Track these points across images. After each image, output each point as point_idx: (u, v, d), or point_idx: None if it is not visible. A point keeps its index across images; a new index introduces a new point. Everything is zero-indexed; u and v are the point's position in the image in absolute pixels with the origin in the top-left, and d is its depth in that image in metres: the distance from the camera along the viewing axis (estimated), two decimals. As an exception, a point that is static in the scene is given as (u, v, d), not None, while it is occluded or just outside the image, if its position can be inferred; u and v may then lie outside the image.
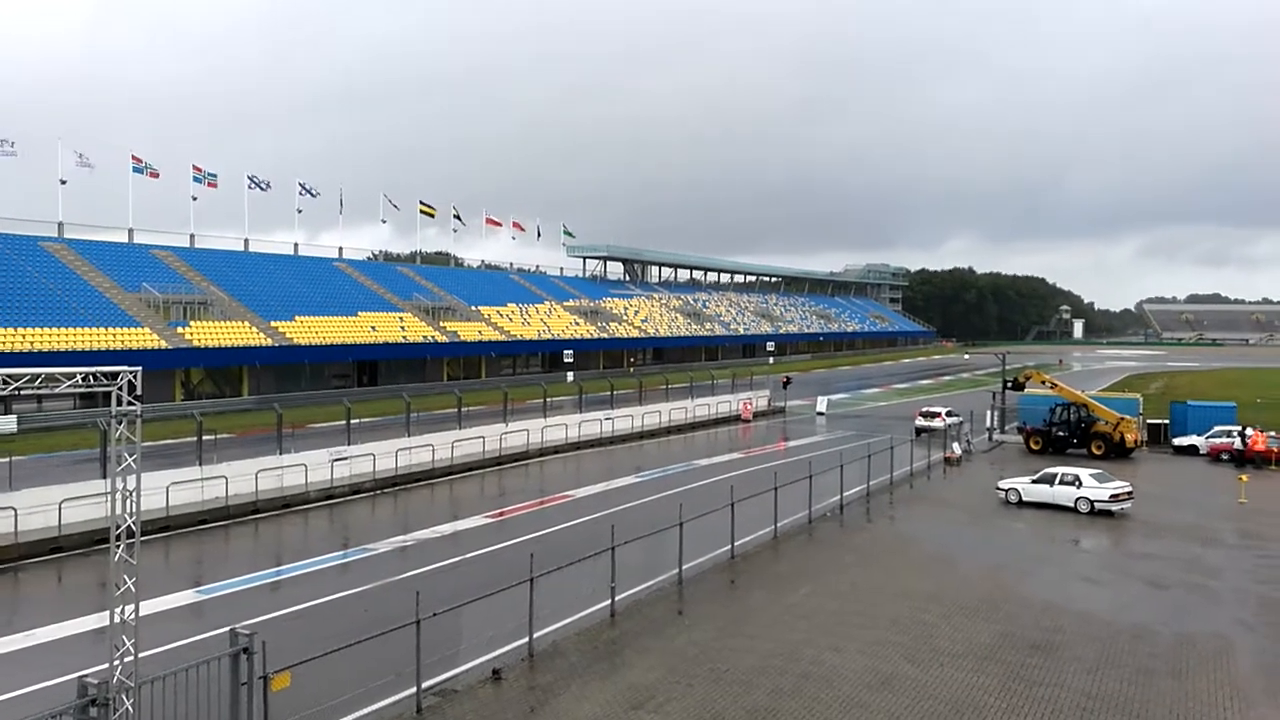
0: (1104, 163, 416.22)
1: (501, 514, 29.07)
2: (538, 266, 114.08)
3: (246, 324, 63.92)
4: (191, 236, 72.33)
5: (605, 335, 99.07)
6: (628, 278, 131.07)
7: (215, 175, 72.07)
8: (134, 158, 66.58)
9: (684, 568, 20.83)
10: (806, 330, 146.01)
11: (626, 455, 42.40)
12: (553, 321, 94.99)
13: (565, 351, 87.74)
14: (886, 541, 25.70)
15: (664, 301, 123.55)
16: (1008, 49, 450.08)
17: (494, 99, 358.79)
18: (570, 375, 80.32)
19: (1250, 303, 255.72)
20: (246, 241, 76.98)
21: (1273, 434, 40.34)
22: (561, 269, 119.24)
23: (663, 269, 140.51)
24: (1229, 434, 40.86)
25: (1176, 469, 38.98)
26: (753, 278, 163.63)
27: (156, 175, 67.86)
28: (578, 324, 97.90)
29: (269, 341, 63.45)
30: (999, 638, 17.41)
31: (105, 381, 11.37)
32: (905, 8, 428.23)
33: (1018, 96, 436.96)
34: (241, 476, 29.12)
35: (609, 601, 18.38)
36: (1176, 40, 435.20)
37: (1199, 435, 42.54)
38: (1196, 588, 21.31)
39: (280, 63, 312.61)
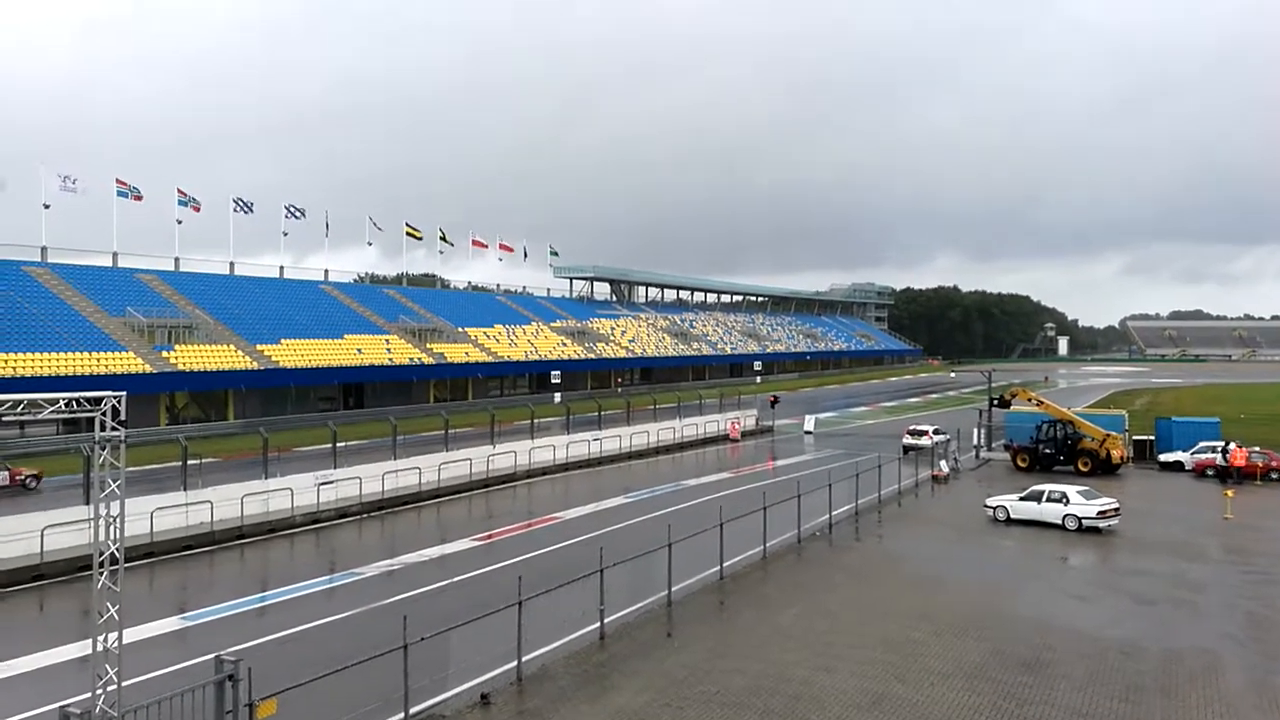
0: (1088, 181, 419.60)
1: (489, 537, 28.92)
2: (524, 288, 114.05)
3: (232, 347, 63.66)
4: (176, 260, 72.16)
5: (592, 356, 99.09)
6: (615, 298, 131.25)
7: (199, 200, 71.99)
8: (118, 181, 66.46)
9: (673, 589, 20.73)
10: (793, 349, 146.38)
11: (615, 476, 42.29)
12: (540, 342, 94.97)
13: (553, 372, 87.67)
14: (875, 560, 25.68)
15: (651, 322, 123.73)
16: (993, 68, 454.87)
17: (481, 121, 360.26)
18: (558, 396, 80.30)
19: (1232, 318, 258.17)
20: (232, 264, 76.87)
21: (1256, 449, 40.61)
22: (548, 290, 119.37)
23: (649, 289, 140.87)
24: (1213, 449, 41.11)
25: (1163, 485, 39.15)
26: (739, 297, 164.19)
27: (140, 198, 67.70)
28: (565, 345, 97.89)
29: (254, 365, 63.16)
30: (989, 656, 17.39)
31: (89, 407, 11.32)
32: (892, 29, 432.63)
33: (1002, 115, 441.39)
34: (227, 501, 28.92)
35: (598, 624, 18.29)
36: (1158, 59, 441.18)
37: (1184, 451, 42.79)
38: (1184, 604, 21.37)
39: (267, 85, 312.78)
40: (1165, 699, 15.41)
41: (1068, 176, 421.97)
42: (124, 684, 11.80)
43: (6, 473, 37.10)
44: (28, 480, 37.43)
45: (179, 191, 71.01)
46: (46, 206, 62.12)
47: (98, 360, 54.08)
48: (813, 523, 28.38)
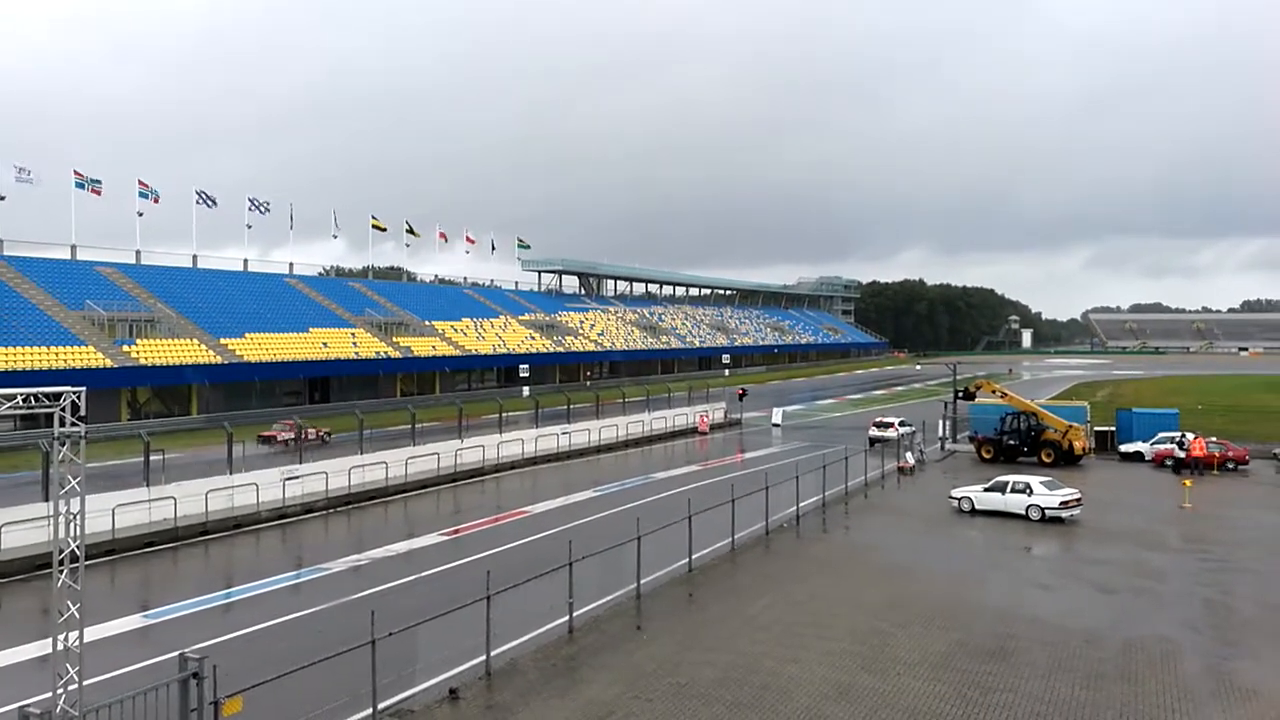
0: (1053, 177, 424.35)
1: (457, 531, 28.81)
2: (492, 281, 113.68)
3: (195, 341, 62.79)
4: (138, 253, 71.01)
5: (561, 349, 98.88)
6: (583, 291, 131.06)
7: (159, 191, 70.82)
8: (76, 173, 65.22)
9: (642, 582, 20.78)
10: (761, 342, 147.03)
11: (583, 470, 42.28)
12: (508, 336, 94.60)
13: (521, 366, 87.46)
14: (843, 552, 25.89)
15: (620, 315, 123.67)
16: (961, 67, 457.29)
17: (451, 117, 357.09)
18: (526, 390, 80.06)
19: (1191, 311, 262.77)
20: (195, 258, 75.80)
21: (1213, 439, 41.39)
22: (516, 283, 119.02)
23: (618, 283, 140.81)
24: (1172, 440, 41.85)
25: (1123, 475, 39.79)
26: (708, 291, 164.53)
27: (99, 191, 66.45)
28: (533, 338, 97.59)
29: (218, 359, 62.37)
30: (955, 645, 17.59)
31: (47, 402, 11.12)
32: (860, 29, 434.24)
33: (971, 113, 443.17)
34: (191, 497, 28.54)
35: (567, 618, 18.28)
36: (1123, 59, 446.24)
37: (1144, 442, 43.52)
38: (1144, 592, 21.75)
39: (233, 80, 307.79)
40: (1125, 685, 15.69)
41: (1037, 173, 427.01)
42: (85, 683, 11.63)
43: (312, 430, 46.40)
44: (324, 436, 47.12)
45: (140, 183, 69.82)
46: (2, 198, 60.90)
47: (56, 355, 53.14)
48: (781, 514, 28.55)
